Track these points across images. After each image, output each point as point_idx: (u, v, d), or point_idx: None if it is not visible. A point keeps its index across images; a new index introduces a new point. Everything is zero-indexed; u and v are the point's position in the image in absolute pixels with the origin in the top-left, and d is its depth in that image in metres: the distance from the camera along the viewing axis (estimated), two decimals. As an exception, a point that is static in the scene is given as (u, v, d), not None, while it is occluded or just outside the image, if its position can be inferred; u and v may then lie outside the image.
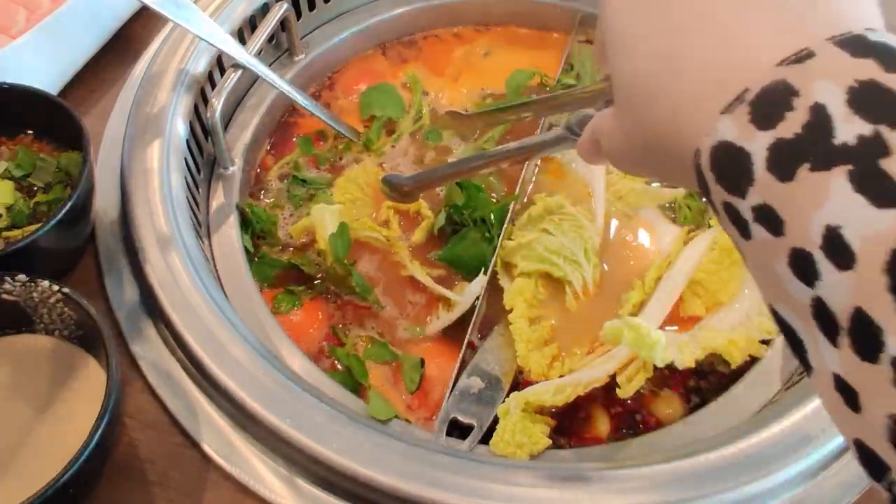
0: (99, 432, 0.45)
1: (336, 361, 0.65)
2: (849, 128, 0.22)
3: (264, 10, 0.77)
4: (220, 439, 0.55)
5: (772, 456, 0.51)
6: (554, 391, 0.59)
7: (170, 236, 0.60)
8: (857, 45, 0.24)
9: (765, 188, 0.24)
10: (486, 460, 0.53)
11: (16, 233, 0.60)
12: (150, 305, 0.60)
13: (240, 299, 0.64)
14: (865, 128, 0.22)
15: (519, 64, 0.87)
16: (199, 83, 0.72)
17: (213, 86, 0.73)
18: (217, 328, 0.56)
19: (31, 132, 0.66)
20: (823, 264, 0.22)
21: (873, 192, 0.21)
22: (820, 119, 0.23)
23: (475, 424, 0.58)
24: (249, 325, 0.59)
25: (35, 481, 0.43)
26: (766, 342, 0.63)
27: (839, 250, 0.22)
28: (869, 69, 0.23)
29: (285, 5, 0.76)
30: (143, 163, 0.65)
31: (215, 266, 0.66)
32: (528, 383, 0.62)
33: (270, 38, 0.80)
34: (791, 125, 0.24)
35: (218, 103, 0.67)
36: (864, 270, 0.21)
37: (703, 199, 0.28)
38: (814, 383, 0.25)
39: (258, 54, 0.72)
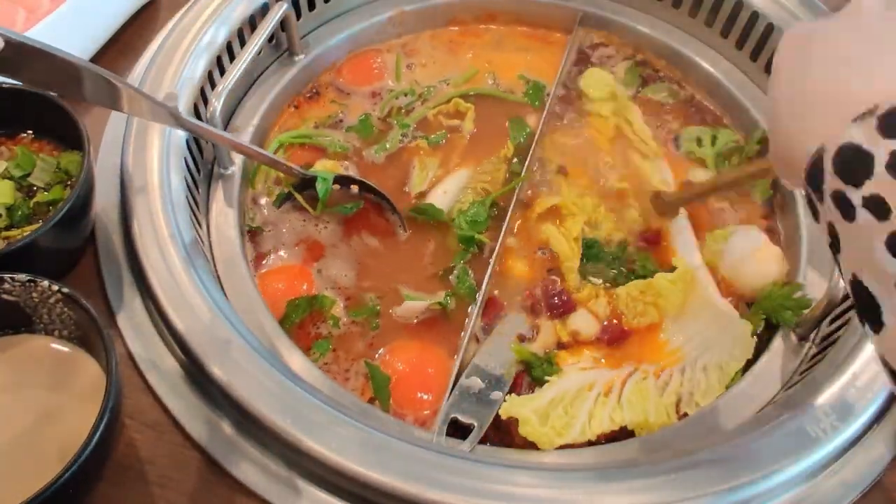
0: (99, 432, 0.45)
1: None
2: None
3: (264, 10, 0.77)
4: (220, 439, 0.55)
5: (772, 456, 0.51)
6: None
7: (170, 236, 0.60)
8: None
9: (880, 183, 0.32)
10: (486, 460, 0.53)
11: (15, 233, 0.60)
12: (150, 305, 0.60)
13: (239, 299, 0.64)
14: None
15: (520, 63, 0.88)
16: (199, 83, 0.72)
17: (213, 86, 0.73)
18: (217, 328, 0.56)
19: (31, 132, 0.66)
20: None
21: None
22: None
23: (475, 424, 0.58)
24: (249, 325, 0.59)
25: (35, 481, 0.43)
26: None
27: None
28: None
29: (285, 5, 0.76)
30: (143, 163, 0.65)
31: (215, 266, 0.66)
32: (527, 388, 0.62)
33: (270, 38, 0.80)
34: None
35: (218, 103, 0.67)
36: None
37: (802, 191, 0.39)
38: (883, 336, 0.34)
39: (258, 54, 0.72)
